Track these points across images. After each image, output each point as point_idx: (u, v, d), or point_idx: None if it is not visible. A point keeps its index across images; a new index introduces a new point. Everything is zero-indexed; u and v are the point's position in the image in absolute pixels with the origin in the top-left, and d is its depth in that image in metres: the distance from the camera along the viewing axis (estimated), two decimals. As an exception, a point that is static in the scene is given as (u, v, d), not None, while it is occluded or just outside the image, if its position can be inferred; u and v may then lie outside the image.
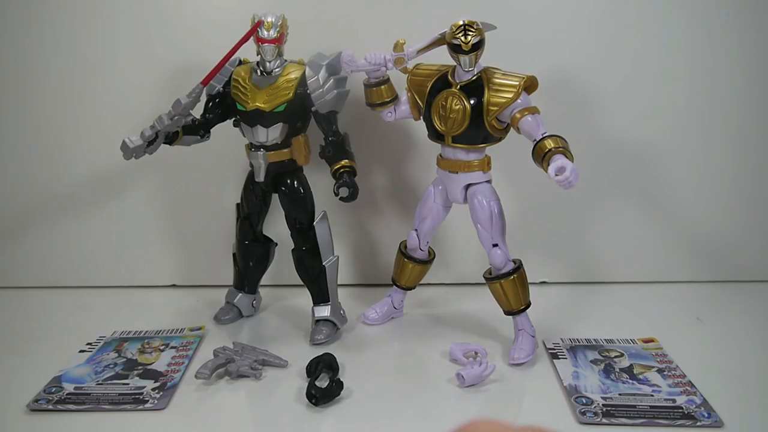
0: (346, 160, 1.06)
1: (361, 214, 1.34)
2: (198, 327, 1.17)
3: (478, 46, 0.95)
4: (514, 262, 1.04)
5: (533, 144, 0.94)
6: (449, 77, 1.00)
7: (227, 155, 1.24)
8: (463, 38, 0.94)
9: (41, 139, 1.31)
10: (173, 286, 1.38)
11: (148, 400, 0.92)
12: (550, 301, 1.25)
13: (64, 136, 1.30)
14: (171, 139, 1.06)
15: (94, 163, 1.31)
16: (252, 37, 1.02)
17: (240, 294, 1.20)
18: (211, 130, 1.10)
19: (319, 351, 1.04)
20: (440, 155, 1.05)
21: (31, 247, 1.36)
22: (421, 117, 1.06)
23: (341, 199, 1.03)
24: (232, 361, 0.99)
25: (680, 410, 0.88)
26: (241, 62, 1.08)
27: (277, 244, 1.21)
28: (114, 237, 1.35)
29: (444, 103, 0.99)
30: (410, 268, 1.16)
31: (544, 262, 1.33)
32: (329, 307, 1.11)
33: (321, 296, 1.11)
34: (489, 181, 1.04)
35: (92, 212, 1.34)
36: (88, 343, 1.11)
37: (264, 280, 1.22)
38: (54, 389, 0.95)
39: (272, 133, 1.05)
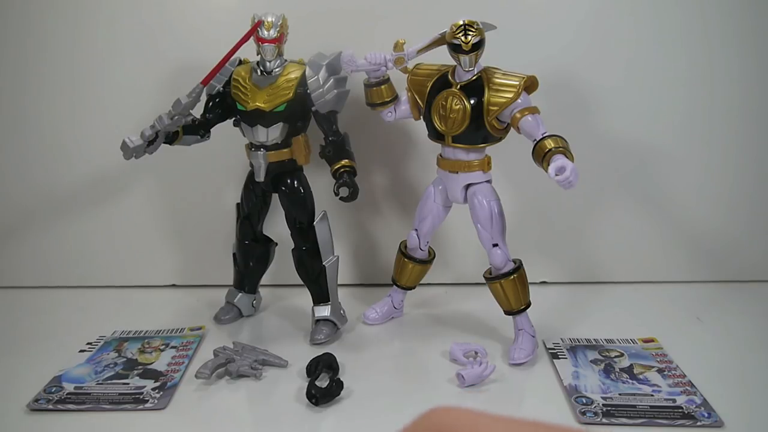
0: (346, 160, 1.06)
1: (361, 214, 1.34)
2: (198, 327, 1.17)
3: (478, 46, 0.95)
4: (514, 262, 1.04)
5: (533, 144, 0.94)
6: (449, 77, 1.00)
7: (227, 155, 1.24)
8: (463, 38, 0.94)
9: (40, 139, 1.31)
10: (173, 286, 1.38)
11: (148, 400, 0.92)
12: (550, 301, 1.25)
13: (64, 136, 1.30)
14: (171, 138, 1.06)
15: (94, 162, 1.31)
16: (252, 37, 1.02)
17: (240, 294, 1.20)
18: (211, 130, 1.10)
19: (319, 351, 1.04)
20: (440, 155, 1.05)
21: (31, 247, 1.36)
22: (421, 117, 1.06)
23: (341, 199, 1.03)
24: (232, 361, 0.99)
25: (680, 410, 0.88)
26: (241, 62, 1.08)
27: (277, 244, 1.21)
28: (114, 237, 1.35)
29: (444, 103, 0.99)
30: (410, 268, 1.16)
31: (544, 262, 1.33)
32: (329, 307, 1.11)
33: (321, 296, 1.11)
34: (489, 181, 1.04)
35: (92, 212, 1.34)
36: (88, 343, 1.11)
37: (264, 280, 1.22)
38: (54, 389, 0.95)
39: (272, 133, 1.05)
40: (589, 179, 1.21)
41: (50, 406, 0.91)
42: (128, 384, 0.97)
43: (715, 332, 1.14)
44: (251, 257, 1.18)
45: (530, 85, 0.99)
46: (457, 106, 0.98)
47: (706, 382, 0.95)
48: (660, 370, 0.99)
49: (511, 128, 1.00)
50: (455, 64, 0.99)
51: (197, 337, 1.13)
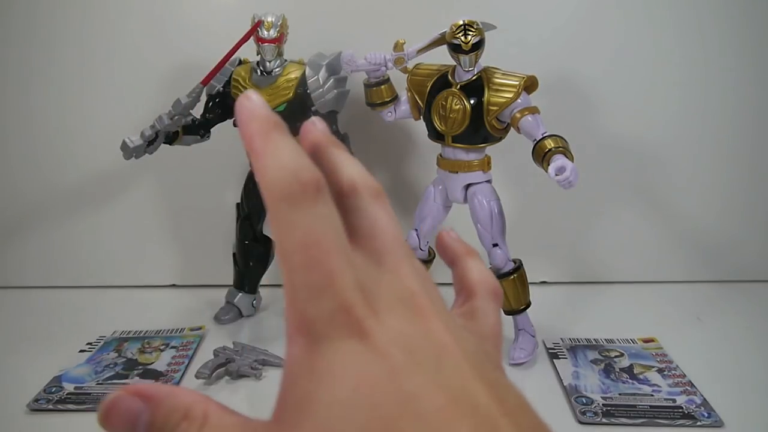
0: (346, 160, 1.06)
1: (361, 214, 1.33)
2: (198, 327, 1.16)
3: (478, 46, 0.95)
4: (514, 261, 1.04)
5: (533, 144, 0.94)
6: (449, 77, 1.00)
7: (227, 155, 1.23)
8: (463, 38, 0.94)
9: (38, 140, 1.31)
10: (173, 286, 1.38)
11: (148, 400, 0.92)
12: (550, 301, 1.24)
13: (62, 137, 1.30)
14: (171, 138, 1.06)
15: (93, 163, 1.31)
16: (252, 37, 1.02)
17: (240, 294, 1.20)
18: (211, 130, 1.10)
19: (319, 351, 1.03)
20: (440, 155, 1.05)
21: (31, 247, 1.36)
22: (421, 117, 1.06)
23: (341, 198, 1.03)
24: (232, 361, 0.99)
25: (680, 410, 0.88)
26: (241, 62, 1.08)
27: (277, 244, 1.21)
28: (114, 237, 1.35)
29: (444, 103, 0.99)
30: (410, 268, 1.15)
31: (544, 262, 1.33)
32: (329, 307, 1.10)
33: (321, 296, 1.11)
34: (489, 181, 1.04)
35: (92, 212, 1.34)
36: (88, 343, 1.11)
37: (264, 280, 1.22)
38: (54, 389, 0.95)
39: (272, 133, 1.05)
40: (589, 179, 1.20)
41: (50, 406, 0.91)
42: (128, 384, 0.97)
43: (715, 332, 1.14)
44: (251, 257, 1.18)
45: (530, 85, 0.98)
46: (457, 106, 0.98)
47: (706, 382, 0.95)
48: (660, 370, 0.99)
49: (511, 128, 1.00)
50: (455, 64, 0.99)
51: (197, 337, 1.13)
